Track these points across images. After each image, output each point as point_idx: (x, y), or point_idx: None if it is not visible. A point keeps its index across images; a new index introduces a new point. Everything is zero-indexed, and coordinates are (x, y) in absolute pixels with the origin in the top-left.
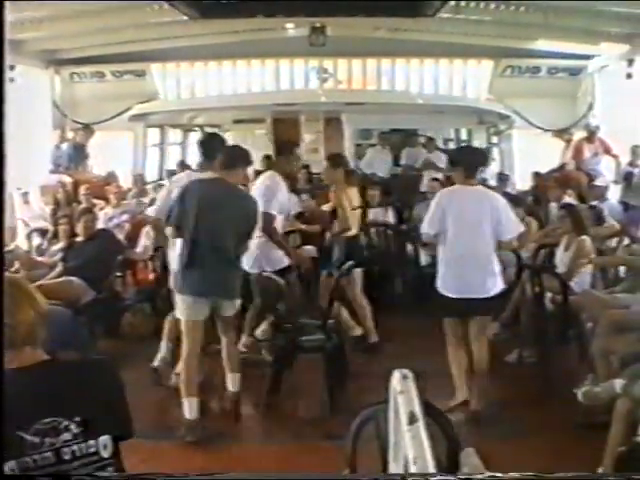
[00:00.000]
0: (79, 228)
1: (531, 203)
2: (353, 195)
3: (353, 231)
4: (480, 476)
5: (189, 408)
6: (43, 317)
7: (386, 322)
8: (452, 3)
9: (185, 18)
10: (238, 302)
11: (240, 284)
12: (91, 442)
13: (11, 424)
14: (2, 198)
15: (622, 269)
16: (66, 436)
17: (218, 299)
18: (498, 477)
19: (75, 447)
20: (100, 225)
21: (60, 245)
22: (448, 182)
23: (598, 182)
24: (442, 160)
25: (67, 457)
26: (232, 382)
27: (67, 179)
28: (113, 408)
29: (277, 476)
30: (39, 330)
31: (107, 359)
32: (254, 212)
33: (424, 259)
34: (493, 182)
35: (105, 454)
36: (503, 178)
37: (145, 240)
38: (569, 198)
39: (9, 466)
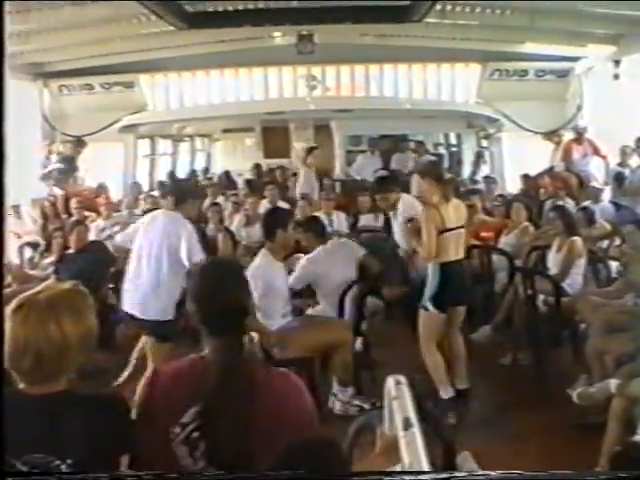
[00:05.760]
0: (71, 240)
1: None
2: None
3: None
4: (460, 474)
5: None
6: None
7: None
8: (438, 8)
9: (172, 29)
10: None
11: None
12: None
13: (7, 446)
14: (2, 202)
15: (614, 269)
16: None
17: None
18: (484, 475)
19: None
20: (92, 237)
21: (52, 258)
22: None
23: (594, 184)
24: None
25: None
26: None
27: (58, 191)
28: (117, 447)
29: (277, 476)
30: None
31: (119, 395)
32: None
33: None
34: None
35: None
36: (489, 181)
37: None
38: (560, 200)
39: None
